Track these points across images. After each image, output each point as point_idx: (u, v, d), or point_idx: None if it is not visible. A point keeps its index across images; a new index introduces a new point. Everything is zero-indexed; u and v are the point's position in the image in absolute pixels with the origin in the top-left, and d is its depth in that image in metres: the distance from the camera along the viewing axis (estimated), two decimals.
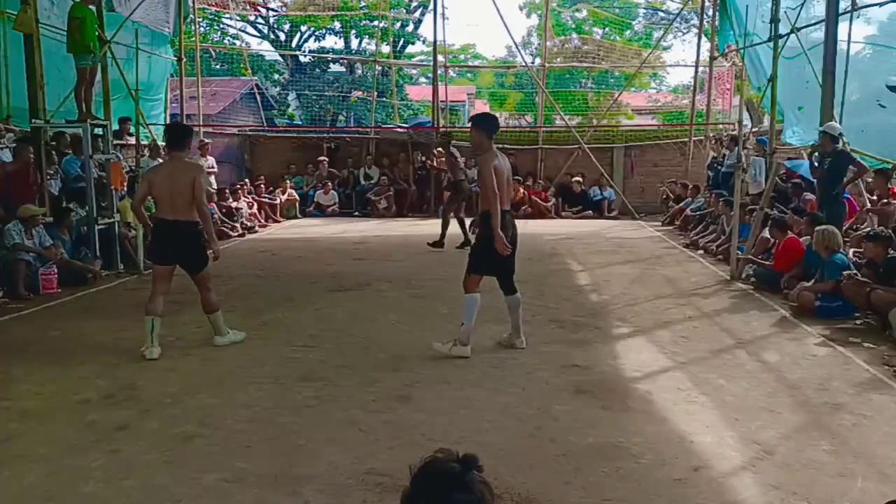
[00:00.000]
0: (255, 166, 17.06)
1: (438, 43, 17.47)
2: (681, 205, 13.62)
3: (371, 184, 16.21)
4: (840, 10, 8.61)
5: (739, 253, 8.47)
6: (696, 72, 17.41)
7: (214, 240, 5.75)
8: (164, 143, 6.88)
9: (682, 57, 42.40)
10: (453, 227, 10.90)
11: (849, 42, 9.21)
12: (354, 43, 25.90)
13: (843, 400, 4.48)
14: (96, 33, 9.12)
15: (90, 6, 9.07)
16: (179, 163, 5.67)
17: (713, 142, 15.30)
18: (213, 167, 14.02)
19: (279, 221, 14.93)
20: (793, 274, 7.38)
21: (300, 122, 21.23)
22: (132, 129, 12.13)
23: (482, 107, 29.31)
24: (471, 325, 5.41)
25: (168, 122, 15.46)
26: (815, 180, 8.90)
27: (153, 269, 5.78)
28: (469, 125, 5.89)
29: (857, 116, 9.59)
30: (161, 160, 12.40)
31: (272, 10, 22.48)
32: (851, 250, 7.33)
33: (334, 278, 8.60)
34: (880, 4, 9.13)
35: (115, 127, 11.25)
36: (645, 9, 25.06)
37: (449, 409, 4.32)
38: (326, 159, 16.60)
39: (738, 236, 8.58)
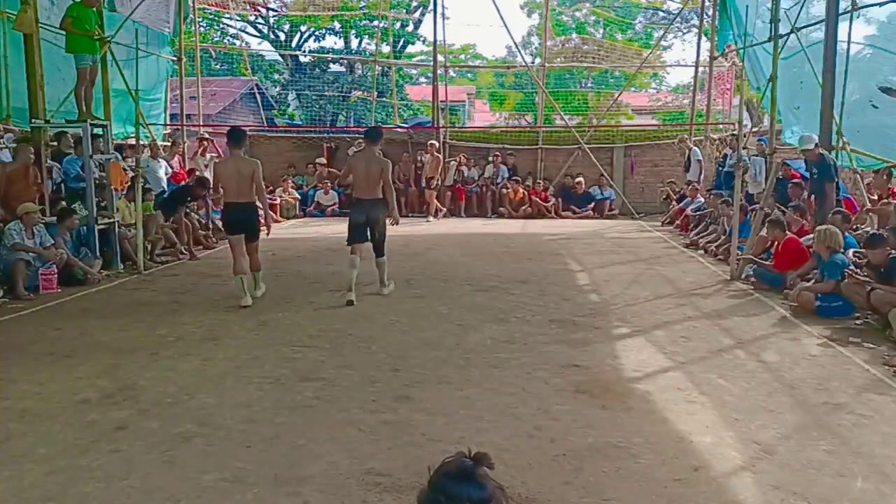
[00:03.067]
0: None
1: (438, 43, 17.47)
2: (681, 205, 13.62)
3: None
4: (840, 10, 8.60)
5: (739, 253, 8.47)
6: (696, 72, 17.41)
7: (270, 216, 7.86)
8: (226, 143, 8.34)
9: (682, 57, 42.39)
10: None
11: (849, 42, 9.20)
12: (354, 43, 25.91)
13: (843, 400, 4.48)
14: (94, 30, 9.11)
15: (91, 8, 9.09)
16: (241, 159, 7.35)
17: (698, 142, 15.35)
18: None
19: (279, 221, 14.91)
20: (800, 273, 7.37)
21: (300, 122, 21.22)
22: (133, 131, 12.13)
23: (482, 107, 29.34)
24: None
25: (168, 121, 15.49)
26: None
27: (228, 240, 7.52)
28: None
29: (855, 116, 9.60)
30: (161, 160, 12.48)
31: (272, 10, 22.48)
32: (851, 250, 7.31)
33: (334, 278, 8.60)
34: (880, 4, 9.11)
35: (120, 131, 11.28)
36: (645, 9, 25.06)
37: (449, 409, 4.32)
38: (325, 160, 16.60)
39: (738, 236, 8.58)
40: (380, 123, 19.56)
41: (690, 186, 13.74)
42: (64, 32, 9.03)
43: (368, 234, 7.40)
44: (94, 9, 9.25)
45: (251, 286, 7.36)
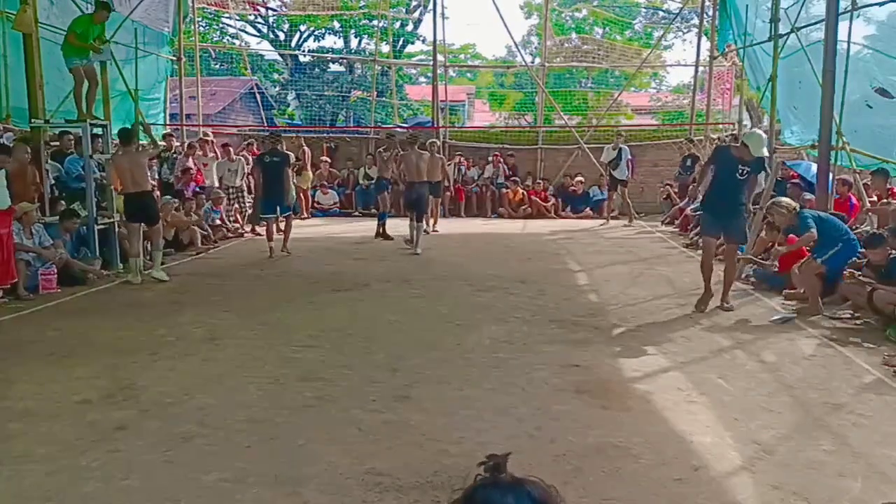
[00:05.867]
0: None
1: (438, 43, 17.47)
2: (681, 205, 13.63)
3: (371, 184, 16.20)
4: (840, 10, 8.59)
5: (739, 253, 8.45)
6: (696, 72, 17.41)
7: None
8: (116, 141, 9.20)
9: (682, 57, 42.40)
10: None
11: (849, 42, 9.20)
12: (354, 42, 25.88)
13: (843, 400, 4.48)
14: (93, 41, 9.13)
15: (98, 24, 9.14)
16: (134, 153, 8.48)
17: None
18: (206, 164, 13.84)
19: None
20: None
21: (300, 122, 21.21)
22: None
23: (482, 106, 29.32)
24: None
25: (167, 122, 15.48)
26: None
27: (128, 227, 8.50)
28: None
29: (854, 116, 9.62)
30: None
31: (272, 9, 22.46)
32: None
33: (334, 278, 8.61)
34: (880, 4, 9.10)
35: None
36: (645, 8, 25.05)
37: (449, 409, 4.33)
38: (328, 160, 16.59)
39: None
40: (380, 123, 19.59)
41: (691, 187, 13.73)
42: (64, 33, 9.02)
43: (418, 205, 10.48)
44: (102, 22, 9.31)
45: (138, 267, 8.44)
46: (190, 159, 12.98)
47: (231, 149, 13.81)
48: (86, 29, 8.96)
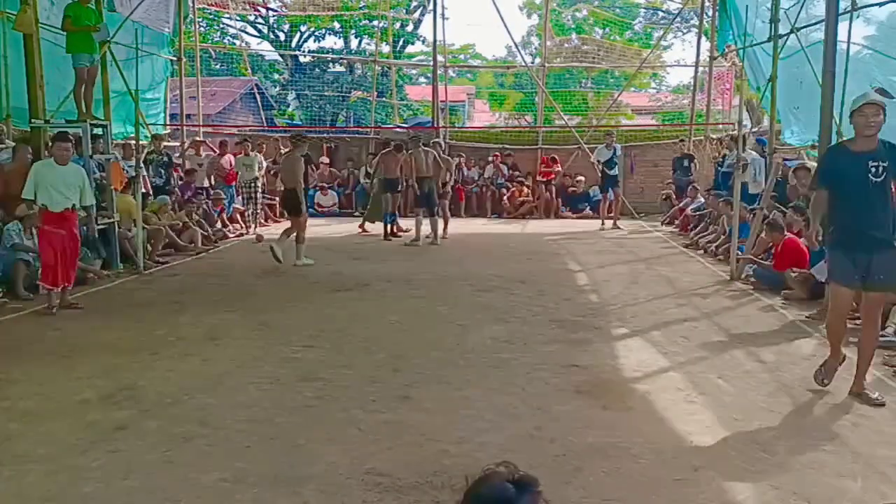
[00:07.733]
0: None
1: (438, 43, 17.47)
2: (681, 204, 13.63)
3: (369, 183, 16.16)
4: (840, 10, 8.59)
5: (739, 253, 8.47)
6: (696, 72, 17.40)
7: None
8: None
9: (682, 57, 42.33)
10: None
11: (848, 42, 9.19)
12: (354, 43, 25.87)
13: (843, 400, 4.48)
14: (94, 25, 9.08)
15: (88, 5, 9.07)
16: (292, 157, 9.92)
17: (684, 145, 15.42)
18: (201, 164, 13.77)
19: (279, 221, 14.88)
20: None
21: (300, 122, 21.19)
22: (132, 131, 12.15)
23: (482, 106, 29.32)
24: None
25: (168, 122, 15.46)
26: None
27: (292, 220, 9.73)
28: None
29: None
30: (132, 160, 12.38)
31: (272, 10, 22.45)
32: None
33: (334, 278, 8.61)
34: (880, 4, 9.10)
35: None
36: (645, 9, 25.05)
37: (449, 409, 4.33)
38: (327, 160, 16.61)
39: (738, 236, 8.58)
40: (380, 123, 19.59)
41: (690, 186, 13.73)
42: (65, 33, 9.03)
43: (427, 200, 11.42)
44: (92, 5, 9.23)
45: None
46: (188, 162, 12.98)
47: (249, 144, 13.68)
48: (77, 12, 8.90)
